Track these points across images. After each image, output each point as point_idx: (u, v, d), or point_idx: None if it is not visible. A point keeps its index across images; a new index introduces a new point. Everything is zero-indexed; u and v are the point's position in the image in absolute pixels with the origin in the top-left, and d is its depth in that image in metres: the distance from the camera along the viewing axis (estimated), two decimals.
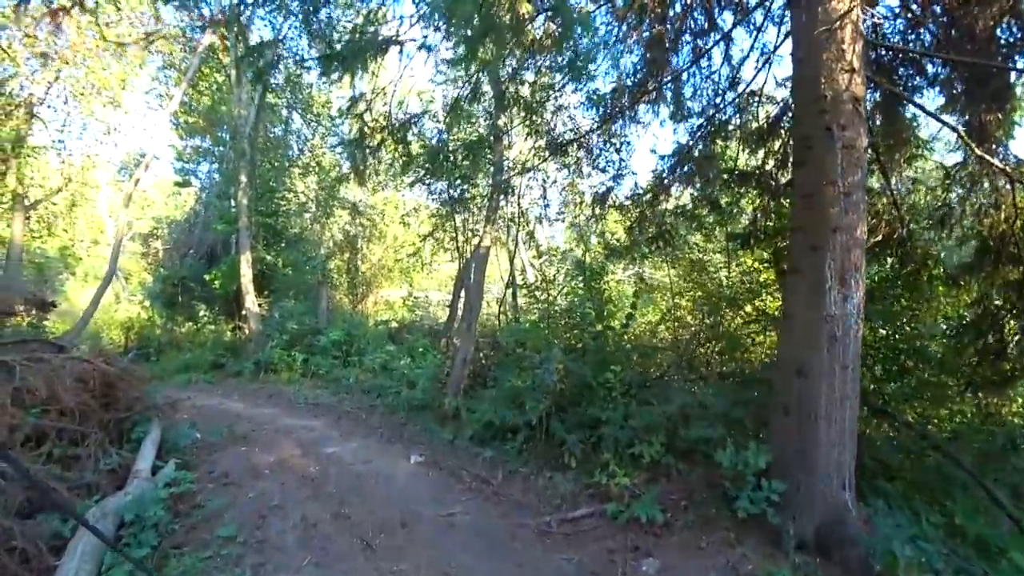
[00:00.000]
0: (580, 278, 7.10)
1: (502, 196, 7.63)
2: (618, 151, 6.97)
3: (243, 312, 11.30)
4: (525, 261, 12.47)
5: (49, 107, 10.39)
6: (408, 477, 5.40)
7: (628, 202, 6.93)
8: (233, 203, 12.41)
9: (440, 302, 16.37)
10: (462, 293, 9.81)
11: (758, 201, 7.16)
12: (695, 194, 7.15)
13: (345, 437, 6.67)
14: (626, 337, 6.86)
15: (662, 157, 7.02)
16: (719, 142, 7.08)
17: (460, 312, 10.15)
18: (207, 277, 12.51)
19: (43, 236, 15.67)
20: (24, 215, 10.40)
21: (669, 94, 6.57)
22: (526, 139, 7.11)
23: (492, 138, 7.14)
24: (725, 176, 7.00)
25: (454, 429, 6.48)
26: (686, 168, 7.03)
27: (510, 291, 10.26)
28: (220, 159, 17.42)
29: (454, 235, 10.06)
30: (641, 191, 7.12)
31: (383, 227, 16.03)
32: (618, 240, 7.79)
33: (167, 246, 18.84)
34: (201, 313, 12.92)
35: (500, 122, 7.28)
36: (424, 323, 14.02)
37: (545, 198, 8.59)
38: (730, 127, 7.01)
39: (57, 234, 17.18)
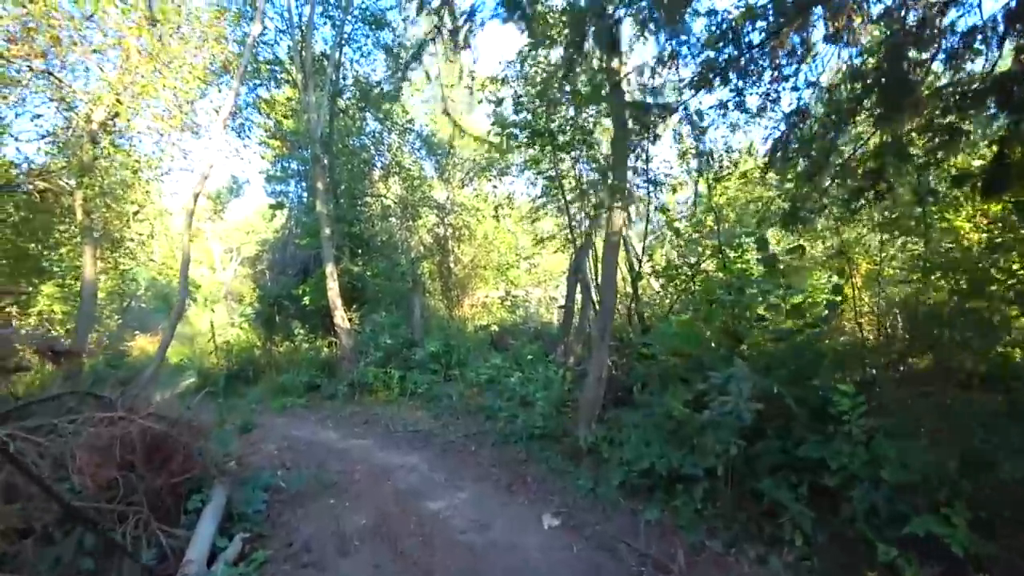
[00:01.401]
0: (745, 258, 5.15)
1: (632, 157, 5.88)
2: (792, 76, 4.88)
3: (334, 327, 10.45)
4: (636, 245, 10.53)
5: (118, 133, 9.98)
6: (543, 554, 3.80)
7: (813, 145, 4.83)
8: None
9: (542, 299, 14.86)
10: (578, 289, 8.11)
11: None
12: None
13: (453, 482, 5.26)
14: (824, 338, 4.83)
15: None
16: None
17: (576, 312, 8.49)
18: (296, 293, 11.89)
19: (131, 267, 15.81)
20: (95, 248, 9.98)
21: None
22: (656, 70, 5.22)
23: (609, 84, 5.41)
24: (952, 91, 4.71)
25: (593, 473, 4.83)
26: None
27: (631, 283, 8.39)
28: (305, 176, 17.26)
29: (567, 221, 8.33)
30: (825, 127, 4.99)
31: (474, 224, 14.80)
32: (787, 201, 5.67)
33: (263, 266, 19.00)
34: (297, 332, 12.38)
35: (615, 64, 5.52)
36: (528, 325, 12.56)
37: (701, 143, 6.52)
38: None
39: (144, 264, 17.40)
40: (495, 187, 12.42)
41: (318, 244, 10.91)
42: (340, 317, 10.05)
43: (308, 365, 11.06)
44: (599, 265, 7.53)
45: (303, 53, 11.00)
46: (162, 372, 15.76)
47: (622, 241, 8.94)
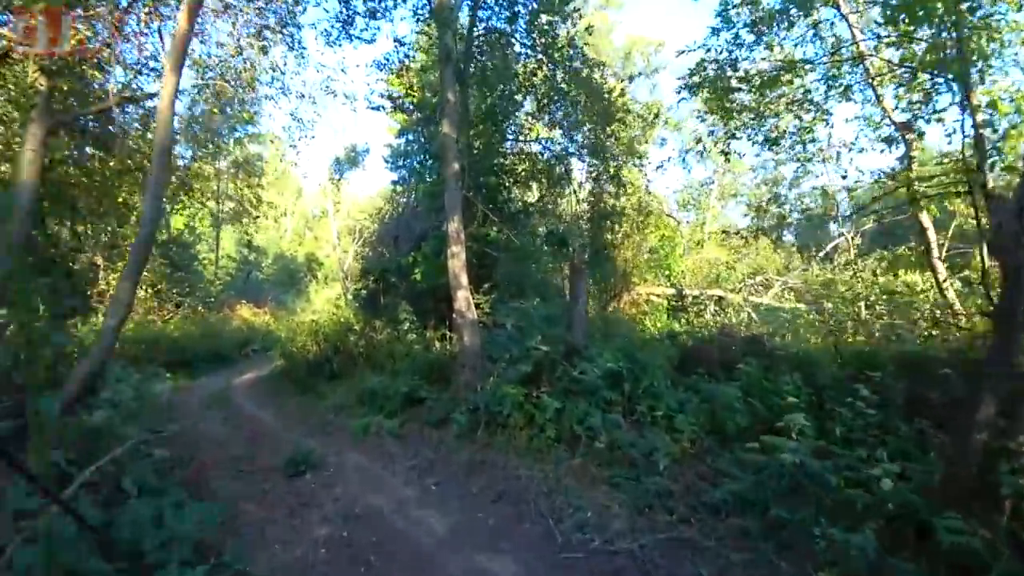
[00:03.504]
0: None
1: None
2: None
3: (453, 316, 6.90)
4: None
5: None
6: None
7: None
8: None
9: (735, 305, 10.34)
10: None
11: None
12: None
13: None
14: None
15: None
16: None
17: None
18: (406, 263, 8.56)
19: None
20: None
21: None
22: None
23: None
24: None
25: None
26: None
27: None
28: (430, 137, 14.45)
29: None
30: None
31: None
32: None
33: (372, 238, 16.42)
34: (403, 316, 9.12)
35: None
36: (729, 336, 8.15)
37: None
38: None
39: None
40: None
41: (437, 190, 7.47)
42: (463, 300, 6.44)
43: (411, 366, 7.69)
44: None
45: None
46: (255, 345, 13.91)
47: None
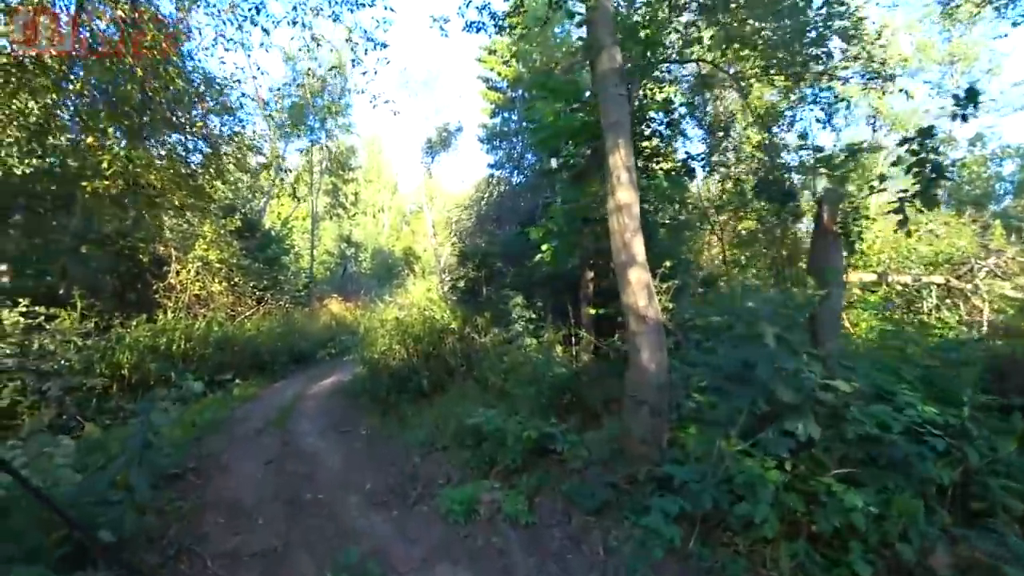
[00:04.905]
0: None
1: None
2: None
3: (627, 311, 4.07)
4: None
5: None
6: None
7: None
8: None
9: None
10: None
11: None
12: None
13: None
14: None
15: None
16: None
17: None
18: (532, 234, 5.83)
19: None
20: None
21: None
22: None
23: None
24: None
25: None
26: None
27: None
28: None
29: None
30: None
31: None
32: None
33: (470, 220, 14.14)
34: (515, 312, 6.55)
35: None
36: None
37: None
38: None
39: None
40: None
41: (567, 128, 4.76)
42: (640, 287, 3.61)
43: (533, 386, 5.08)
44: None
45: None
46: (331, 347, 12.04)
47: None
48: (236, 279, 10.57)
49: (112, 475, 3.10)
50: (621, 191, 3.66)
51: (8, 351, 5.44)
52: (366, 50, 6.79)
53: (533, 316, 6.76)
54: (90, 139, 7.12)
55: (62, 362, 5.92)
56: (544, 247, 5.65)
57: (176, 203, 8.50)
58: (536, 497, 3.63)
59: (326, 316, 13.76)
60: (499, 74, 14.40)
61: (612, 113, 3.78)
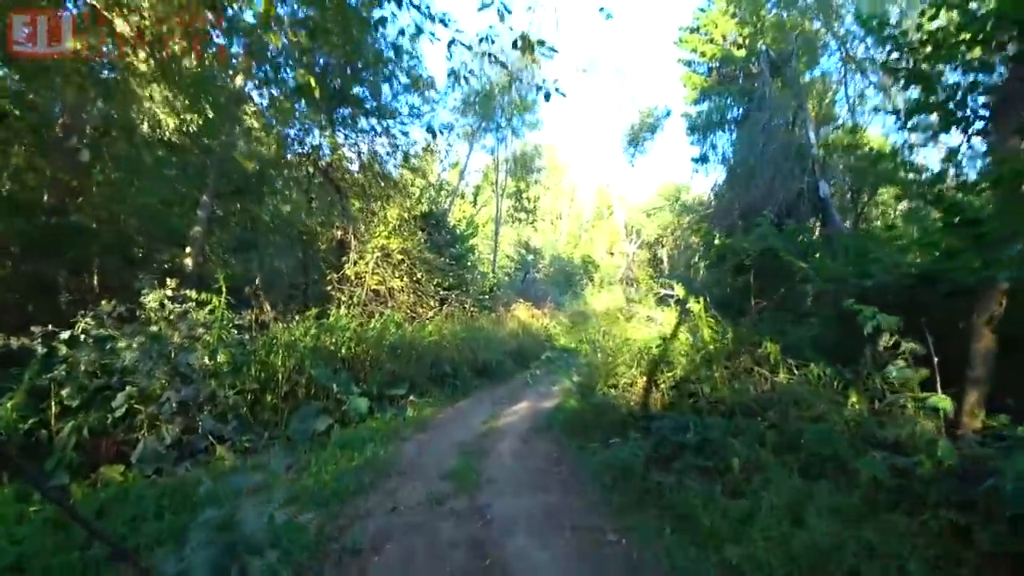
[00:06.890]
0: None
1: None
2: None
3: None
4: None
5: None
6: None
7: None
8: None
9: None
10: None
11: None
12: None
13: None
14: None
15: None
16: None
17: None
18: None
19: None
20: None
21: None
22: None
23: None
24: None
25: None
26: None
27: None
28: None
29: None
30: None
31: None
32: None
33: (708, 211, 11.04)
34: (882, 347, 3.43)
35: None
36: None
37: None
38: None
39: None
40: None
41: None
42: None
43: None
44: None
45: None
46: (536, 368, 9.63)
47: None
48: (418, 274, 9.03)
49: None
50: None
51: (135, 344, 4.05)
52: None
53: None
54: None
55: (205, 360, 4.50)
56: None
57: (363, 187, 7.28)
58: None
59: (512, 323, 11.81)
60: (702, 55, 12.94)
61: None
